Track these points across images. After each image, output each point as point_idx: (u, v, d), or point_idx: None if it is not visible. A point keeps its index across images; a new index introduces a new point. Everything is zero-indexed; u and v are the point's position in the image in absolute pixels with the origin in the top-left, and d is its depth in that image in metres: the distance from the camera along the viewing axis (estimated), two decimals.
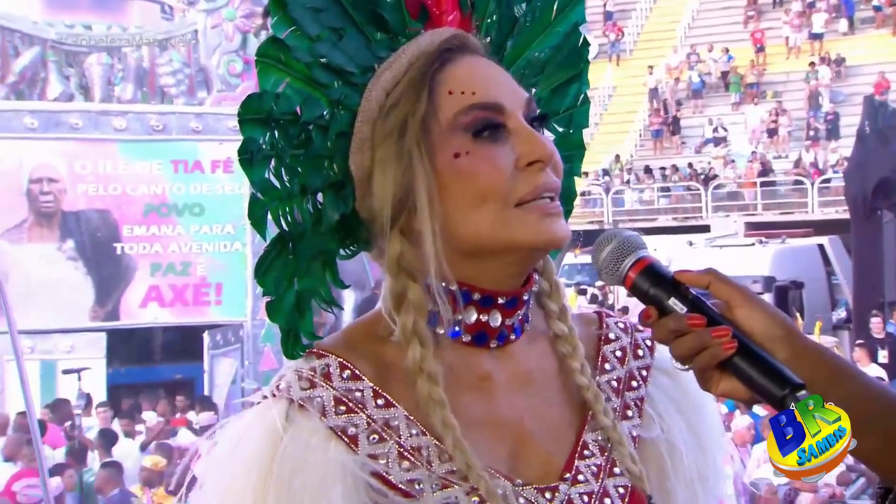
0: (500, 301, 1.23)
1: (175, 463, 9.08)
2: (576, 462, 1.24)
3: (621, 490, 1.25)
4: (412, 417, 1.18)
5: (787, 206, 25.06)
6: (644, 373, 1.34)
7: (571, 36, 1.37)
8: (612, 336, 1.36)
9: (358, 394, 1.18)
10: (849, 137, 20.32)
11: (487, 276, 1.22)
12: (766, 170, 25.64)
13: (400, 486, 1.15)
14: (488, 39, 1.31)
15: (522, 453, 1.22)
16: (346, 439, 1.15)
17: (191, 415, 11.72)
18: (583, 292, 18.15)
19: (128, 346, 13.33)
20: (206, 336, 12.86)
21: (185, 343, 13.43)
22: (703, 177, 26.13)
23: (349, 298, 12.22)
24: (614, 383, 1.32)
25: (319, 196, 1.24)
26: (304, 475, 1.13)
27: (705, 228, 21.62)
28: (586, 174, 26.58)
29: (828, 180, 24.23)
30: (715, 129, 28.06)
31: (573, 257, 19.49)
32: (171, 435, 10.84)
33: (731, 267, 13.73)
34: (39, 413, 9.70)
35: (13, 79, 12.95)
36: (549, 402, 1.27)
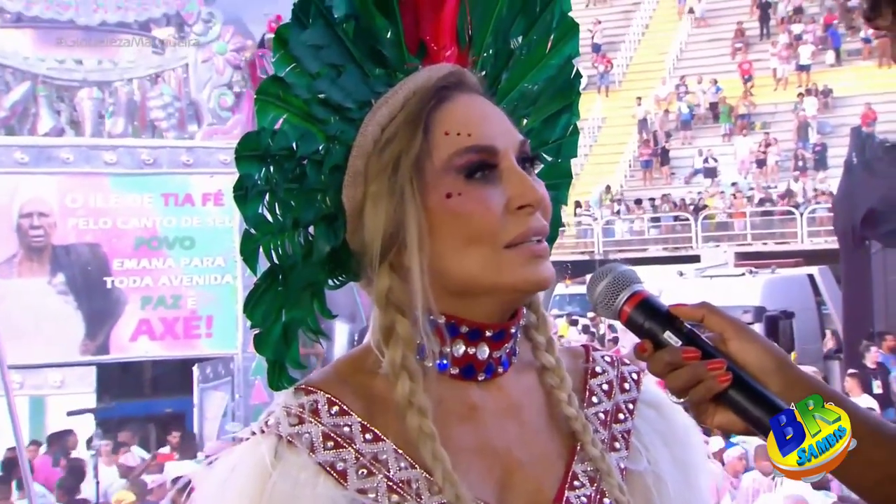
0: (488, 334, 1.23)
1: (145, 501, 8.98)
2: (566, 493, 1.24)
3: None
4: (401, 451, 1.18)
5: (778, 235, 25.15)
6: (631, 406, 1.35)
7: (565, 68, 1.38)
8: (598, 369, 1.36)
9: (346, 429, 1.18)
10: (836, 168, 20.43)
11: (475, 311, 1.22)
12: (761, 200, 25.79)
13: None
14: (484, 73, 1.32)
15: (511, 483, 1.22)
16: (334, 474, 1.15)
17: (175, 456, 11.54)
18: (574, 322, 18.15)
19: (118, 380, 13.22)
20: (195, 369, 12.76)
21: (175, 376, 13.32)
22: (692, 207, 26.24)
23: (341, 331, 12.18)
24: (602, 416, 1.32)
25: (311, 228, 1.24)
26: None
27: (695, 258, 21.66)
28: (578, 205, 26.67)
29: (813, 210, 24.38)
30: (705, 160, 28.21)
31: (564, 287, 19.49)
32: (159, 471, 10.70)
33: (721, 297, 13.77)
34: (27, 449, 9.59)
35: (4, 114, 12.92)
36: (538, 433, 1.27)
